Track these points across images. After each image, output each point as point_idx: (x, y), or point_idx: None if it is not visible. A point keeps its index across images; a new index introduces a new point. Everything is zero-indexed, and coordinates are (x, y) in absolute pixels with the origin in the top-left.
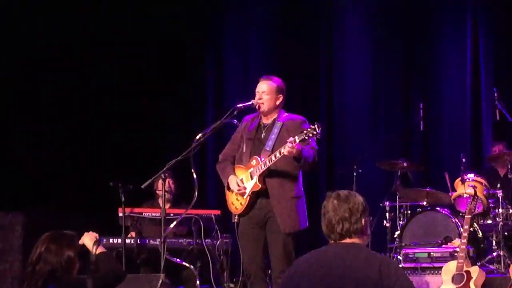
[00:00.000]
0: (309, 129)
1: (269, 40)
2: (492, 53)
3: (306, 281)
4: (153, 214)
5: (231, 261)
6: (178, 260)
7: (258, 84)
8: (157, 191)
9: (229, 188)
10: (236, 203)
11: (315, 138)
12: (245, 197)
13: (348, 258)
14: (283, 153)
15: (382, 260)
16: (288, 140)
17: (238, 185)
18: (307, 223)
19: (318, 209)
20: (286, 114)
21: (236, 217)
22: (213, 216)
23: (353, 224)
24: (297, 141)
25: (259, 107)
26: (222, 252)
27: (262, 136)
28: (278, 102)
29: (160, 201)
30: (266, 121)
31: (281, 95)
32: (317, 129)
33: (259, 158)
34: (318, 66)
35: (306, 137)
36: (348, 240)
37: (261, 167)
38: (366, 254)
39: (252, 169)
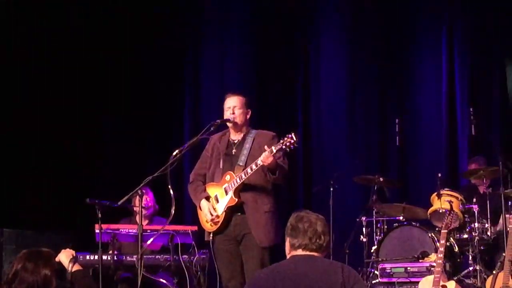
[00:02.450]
0: (285, 139)
1: (245, 56)
2: (467, 69)
3: None
4: (130, 231)
5: (208, 277)
6: (155, 276)
7: (226, 100)
8: (134, 208)
9: (201, 208)
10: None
11: (292, 147)
12: (220, 213)
13: (314, 268)
14: (258, 164)
15: (343, 265)
16: (265, 148)
17: (211, 214)
18: (280, 238)
19: None
20: (256, 130)
21: (211, 235)
22: (190, 232)
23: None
24: (274, 150)
25: (235, 123)
26: (199, 268)
27: (233, 152)
28: (248, 116)
29: (138, 217)
30: (236, 137)
31: (249, 109)
32: (293, 137)
33: (233, 174)
34: (294, 83)
35: (284, 146)
36: (314, 253)
37: (236, 181)
38: (328, 262)
39: (226, 184)
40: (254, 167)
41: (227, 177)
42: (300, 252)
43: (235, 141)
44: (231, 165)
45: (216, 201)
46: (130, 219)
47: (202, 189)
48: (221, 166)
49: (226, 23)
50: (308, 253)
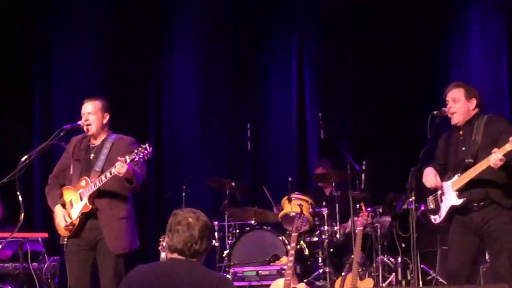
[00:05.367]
0: (139, 149)
1: (98, 60)
2: (316, 76)
3: None
4: None
5: (59, 284)
6: (3, 285)
7: (83, 106)
8: None
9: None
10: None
11: (146, 157)
12: (74, 219)
13: (191, 273)
14: (113, 173)
15: (220, 278)
16: (119, 159)
17: (66, 221)
18: (138, 243)
19: (148, 231)
20: (116, 134)
21: (65, 239)
22: (40, 239)
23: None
24: (128, 160)
25: (87, 130)
26: (50, 275)
27: (91, 157)
28: (105, 121)
29: None
30: (95, 141)
31: (107, 113)
32: (148, 148)
33: (88, 179)
34: (147, 88)
35: (137, 157)
36: (191, 259)
37: (91, 188)
38: (206, 272)
39: (81, 190)
40: (108, 175)
41: (83, 183)
42: (176, 256)
43: (94, 146)
44: (88, 170)
45: (71, 206)
46: None
47: (58, 193)
48: (78, 171)
49: (77, 26)
50: (184, 258)
